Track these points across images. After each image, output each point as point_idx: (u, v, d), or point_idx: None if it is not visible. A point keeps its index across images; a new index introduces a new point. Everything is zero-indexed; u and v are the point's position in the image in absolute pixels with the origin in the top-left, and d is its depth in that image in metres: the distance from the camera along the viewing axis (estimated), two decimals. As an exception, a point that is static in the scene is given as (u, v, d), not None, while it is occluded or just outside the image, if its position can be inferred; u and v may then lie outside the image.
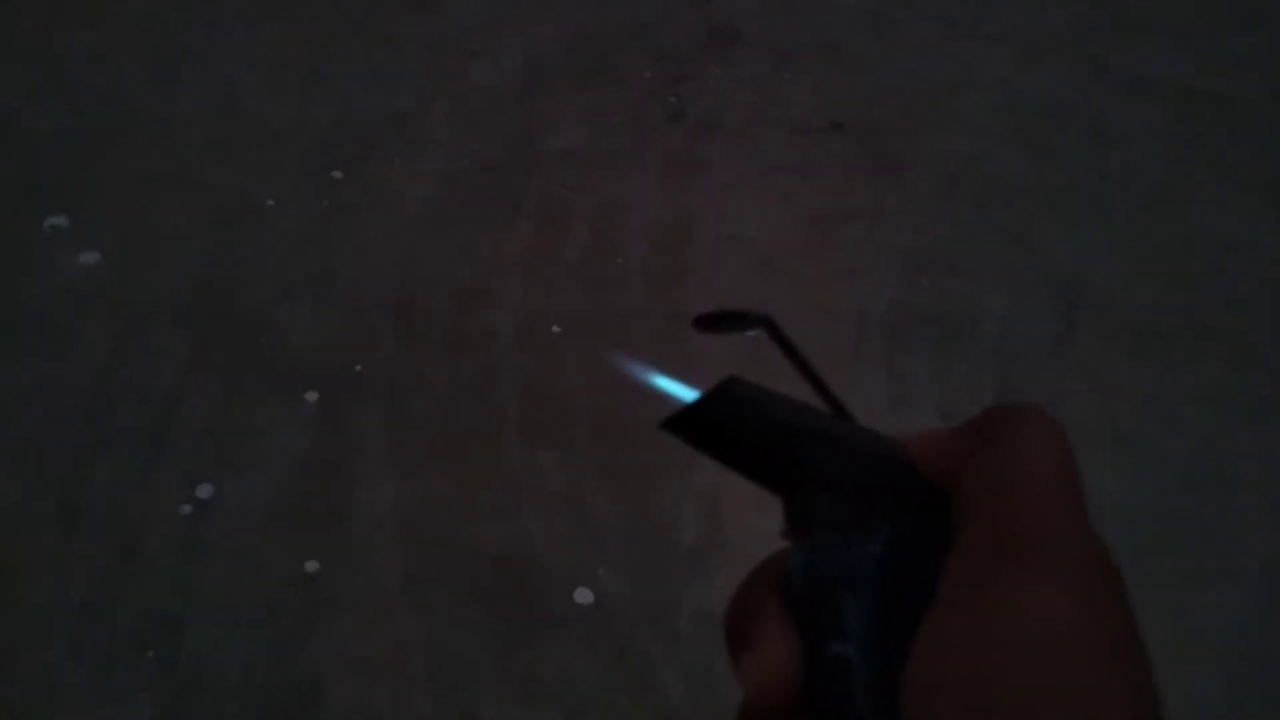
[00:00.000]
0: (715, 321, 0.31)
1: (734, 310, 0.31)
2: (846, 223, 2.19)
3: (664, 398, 0.32)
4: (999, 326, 1.99)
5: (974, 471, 0.28)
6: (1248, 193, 2.20)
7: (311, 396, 1.90)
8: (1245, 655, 1.56)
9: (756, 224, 2.20)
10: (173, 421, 1.85)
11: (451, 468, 1.80)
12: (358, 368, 1.95)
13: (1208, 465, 1.77)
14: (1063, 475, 0.27)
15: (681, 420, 0.30)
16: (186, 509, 1.73)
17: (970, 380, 1.91)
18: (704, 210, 2.23)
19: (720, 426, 0.30)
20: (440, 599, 1.64)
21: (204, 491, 1.75)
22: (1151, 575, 1.65)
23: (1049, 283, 2.05)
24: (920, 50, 2.56)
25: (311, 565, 1.67)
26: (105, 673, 1.53)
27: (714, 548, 1.69)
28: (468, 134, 2.42)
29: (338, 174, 2.32)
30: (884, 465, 0.29)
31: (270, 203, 2.26)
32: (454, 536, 1.72)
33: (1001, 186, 2.24)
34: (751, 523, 1.69)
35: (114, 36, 2.66)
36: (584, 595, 1.64)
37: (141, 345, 1.98)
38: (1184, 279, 2.05)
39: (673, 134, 2.40)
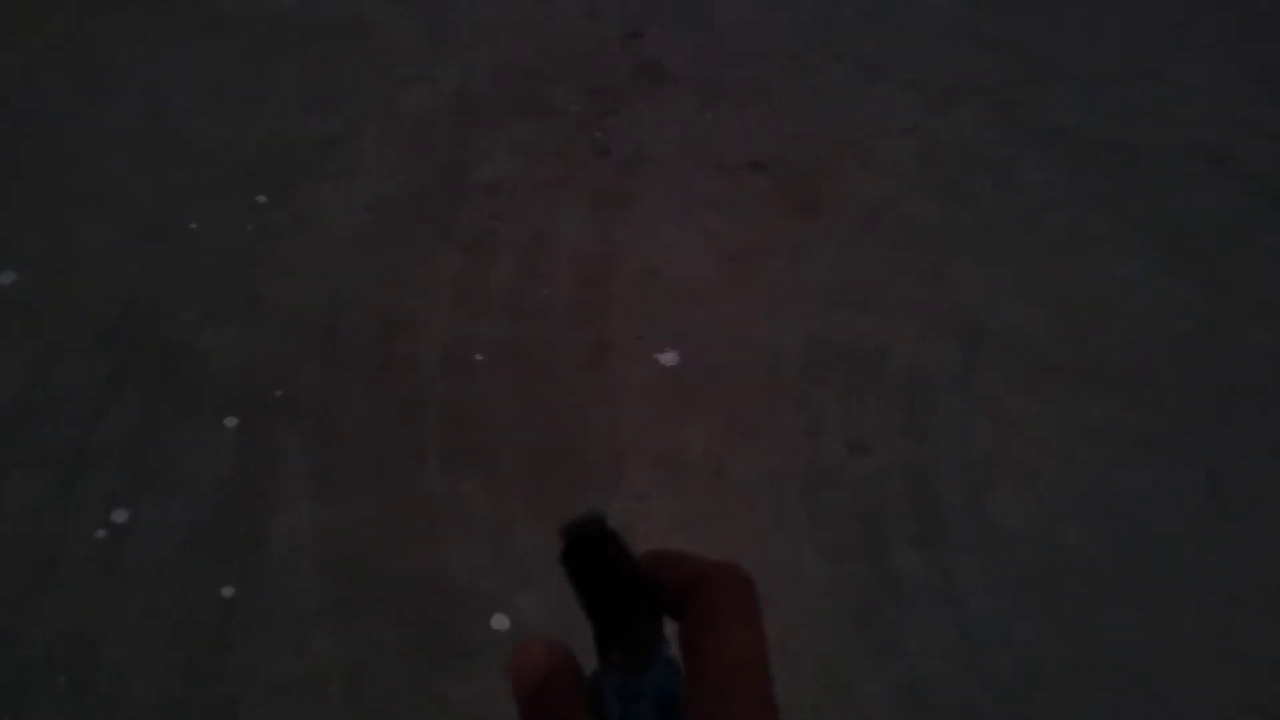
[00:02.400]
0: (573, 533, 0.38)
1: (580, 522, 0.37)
2: (765, 258, 2.26)
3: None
4: (907, 361, 2.07)
5: (692, 626, 0.34)
6: (1144, 238, 2.32)
7: (231, 421, 1.91)
8: (1135, 677, 1.65)
9: (679, 258, 2.26)
10: (91, 443, 1.84)
11: (372, 493, 1.82)
12: (278, 392, 1.96)
13: (1099, 497, 1.86)
14: (751, 655, 0.34)
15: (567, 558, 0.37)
16: (102, 533, 1.72)
17: (878, 413, 1.98)
18: (628, 243, 2.29)
19: (580, 572, 0.36)
20: (359, 623, 1.66)
21: (120, 515, 1.75)
22: (1047, 600, 1.73)
23: (955, 321, 2.14)
24: (840, 94, 2.65)
25: (228, 590, 1.67)
26: (17, 695, 1.52)
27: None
28: (398, 161, 2.45)
29: (263, 198, 2.33)
30: (654, 595, 0.36)
31: (194, 225, 2.27)
32: (374, 562, 1.73)
33: (914, 227, 2.33)
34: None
35: (43, 52, 2.64)
36: (501, 621, 1.67)
37: (61, 366, 1.97)
38: (1082, 319, 2.16)
39: (600, 168, 2.46)
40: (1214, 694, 1.63)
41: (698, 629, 0.34)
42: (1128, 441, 1.95)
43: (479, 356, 2.05)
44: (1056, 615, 1.72)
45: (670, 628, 0.35)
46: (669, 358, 2.07)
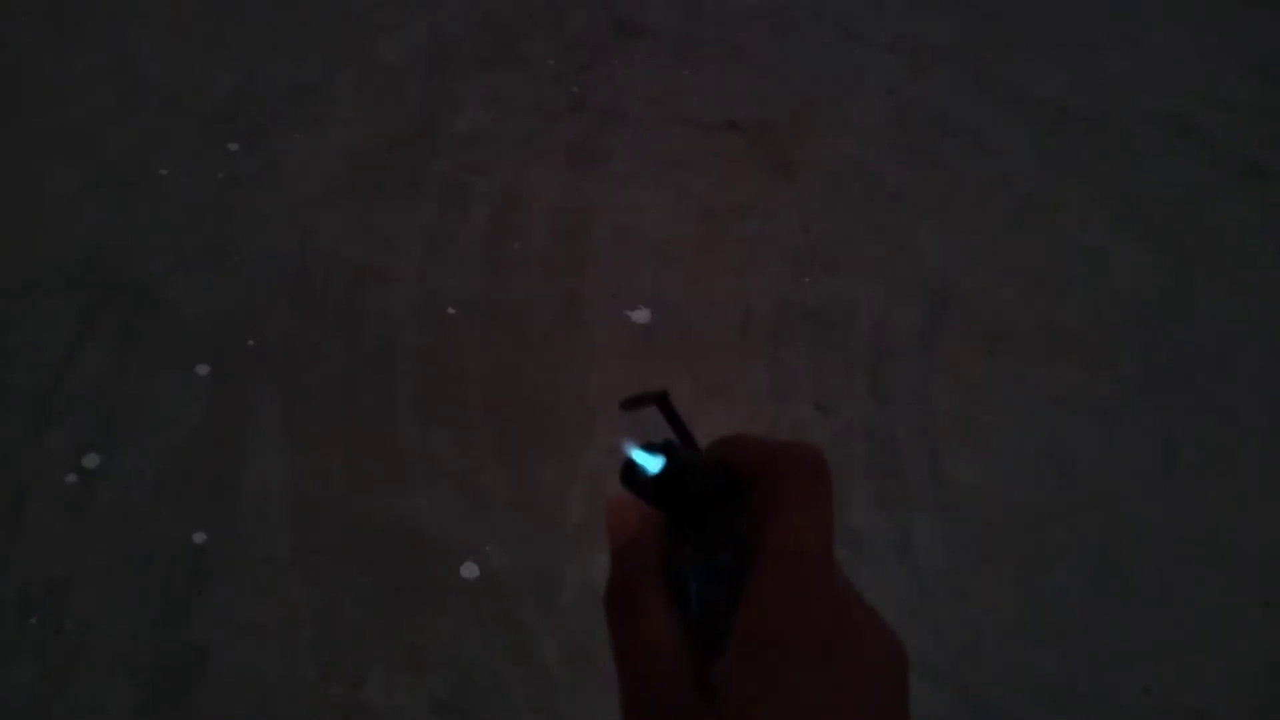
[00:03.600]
0: (634, 403, 0.38)
1: (642, 394, 0.38)
2: (737, 218, 2.28)
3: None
4: (874, 323, 2.10)
5: (756, 512, 0.34)
6: (1108, 206, 2.36)
7: (203, 369, 1.91)
8: (1080, 633, 1.71)
9: (652, 216, 2.27)
10: (61, 389, 1.85)
11: (343, 442, 1.84)
12: (251, 341, 1.97)
13: (1056, 460, 1.92)
14: (802, 546, 0.33)
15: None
16: (73, 478, 1.73)
17: (845, 374, 2.02)
18: (602, 200, 2.30)
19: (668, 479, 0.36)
20: (329, 570, 1.69)
21: (91, 461, 1.76)
22: (1001, 559, 1.79)
23: (922, 284, 2.18)
24: (816, 54, 2.66)
25: (200, 536, 1.69)
26: (-14, 637, 1.54)
27: (599, 527, 1.76)
28: (371, 111, 2.44)
29: (234, 145, 2.32)
30: (728, 485, 0.36)
31: (164, 171, 2.25)
32: (344, 510, 1.76)
33: (885, 190, 2.36)
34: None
35: (5, -9, 2.59)
36: (470, 569, 1.70)
37: (29, 311, 1.96)
38: (1045, 285, 2.20)
39: (575, 123, 2.46)
40: (1160, 650, 1.69)
41: (759, 515, 0.34)
42: (1086, 406, 2.00)
43: (451, 309, 2.06)
44: (1010, 573, 1.77)
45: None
46: (641, 315, 2.09)
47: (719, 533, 0.36)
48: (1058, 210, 2.35)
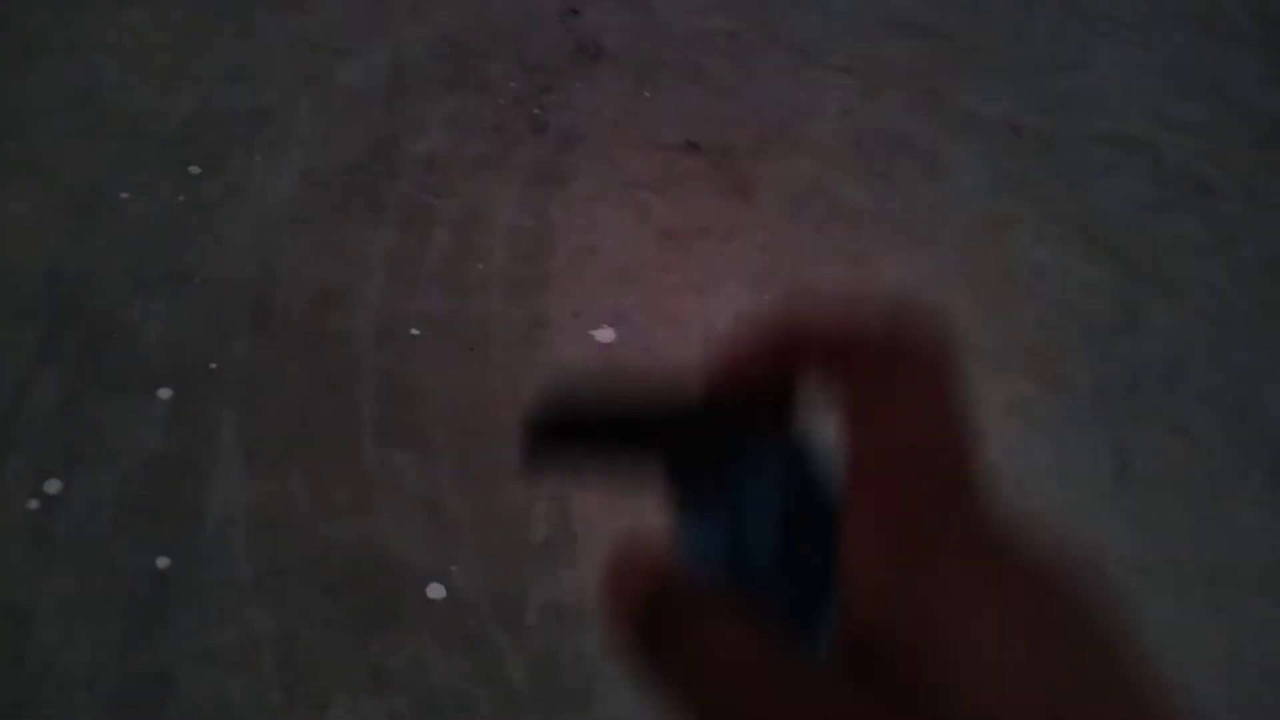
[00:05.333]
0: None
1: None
2: (698, 238, 2.31)
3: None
4: (834, 341, 2.13)
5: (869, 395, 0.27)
6: (1060, 224, 2.42)
7: (164, 393, 1.91)
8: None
9: (614, 236, 2.29)
10: (20, 416, 1.83)
11: (306, 466, 1.84)
12: (212, 365, 1.96)
13: (1010, 472, 1.95)
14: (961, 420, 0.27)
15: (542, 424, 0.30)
16: (34, 504, 1.72)
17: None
18: (564, 221, 2.32)
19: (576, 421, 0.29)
20: (293, 594, 1.68)
21: (52, 487, 1.74)
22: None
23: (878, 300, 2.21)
24: (774, 77, 2.70)
25: (163, 561, 1.68)
26: (-56, 668, 1.52)
27: (563, 546, 1.78)
28: (332, 134, 2.45)
29: (195, 169, 2.31)
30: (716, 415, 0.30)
31: (124, 195, 2.24)
32: (308, 533, 1.76)
33: (842, 210, 2.40)
34: (600, 522, 1.79)
35: (-39, 15, 2.58)
36: (436, 590, 1.71)
37: (-13, 336, 1.95)
38: (999, 301, 2.25)
39: (536, 145, 2.48)
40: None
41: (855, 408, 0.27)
42: (1038, 419, 2.05)
43: (414, 331, 2.07)
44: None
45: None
46: (605, 335, 2.11)
47: (696, 482, 0.29)
48: (1011, 228, 2.40)
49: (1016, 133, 2.64)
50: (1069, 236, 2.39)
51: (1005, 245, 2.36)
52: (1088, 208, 2.47)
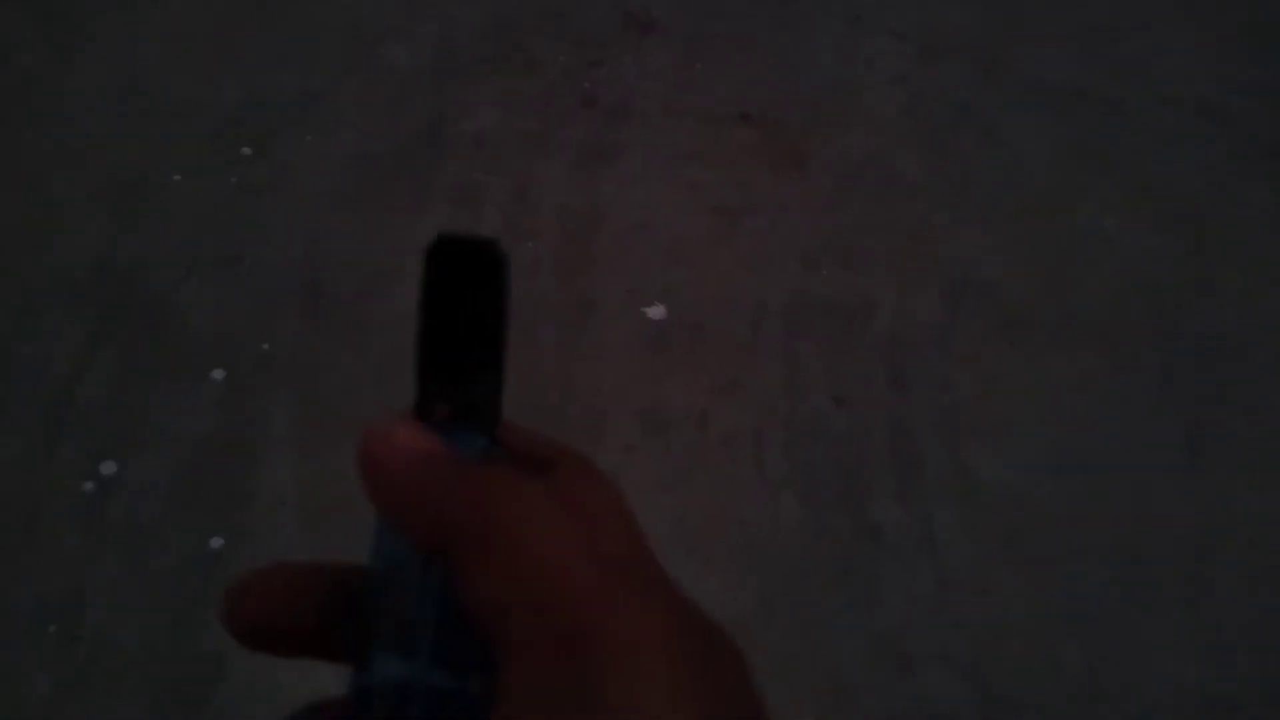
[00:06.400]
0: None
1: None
2: (750, 213, 2.26)
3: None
4: (891, 315, 2.08)
5: (473, 578, 0.25)
6: (1127, 193, 2.33)
7: (217, 375, 1.91)
8: (1104, 626, 1.68)
9: (664, 212, 2.25)
10: (74, 399, 1.85)
11: (355, 446, 1.83)
12: (264, 347, 1.96)
13: (1077, 451, 1.89)
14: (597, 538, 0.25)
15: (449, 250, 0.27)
16: (89, 486, 1.73)
17: (862, 366, 2.00)
18: (614, 197, 2.28)
19: (440, 285, 0.27)
20: (344, 575, 1.68)
21: (107, 468, 1.75)
22: (1023, 551, 1.76)
23: (938, 275, 2.15)
24: (827, 45, 2.64)
25: (215, 542, 1.69)
26: (5, 648, 1.53)
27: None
28: (380, 115, 2.43)
29: (246, 151, 2.31)
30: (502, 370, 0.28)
31: (177, 178, 2.25)
32: (358, 514, 1.74)
33: (899, 181, 2.33)
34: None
35: (10, 10, 2.60)
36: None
37: (39, 323, 1.97)
38: (1063, 274, 2.17)
39: (585, 121, 2.44)
40: (1185, 643, 1.66)
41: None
42: (1106, 395, 1.97)
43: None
44: (1032, 566, 1.74)
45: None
46: (656, 312, 2.08)
47: (485, 407, 0.28)
48: (1075, 198, 2.32)
49: (1079, 98, 2.55)
50: (1136, 206, 2.30)
51: (1070, 216, 2.28)
52: (1156, 176, 2.37)
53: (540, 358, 1.99)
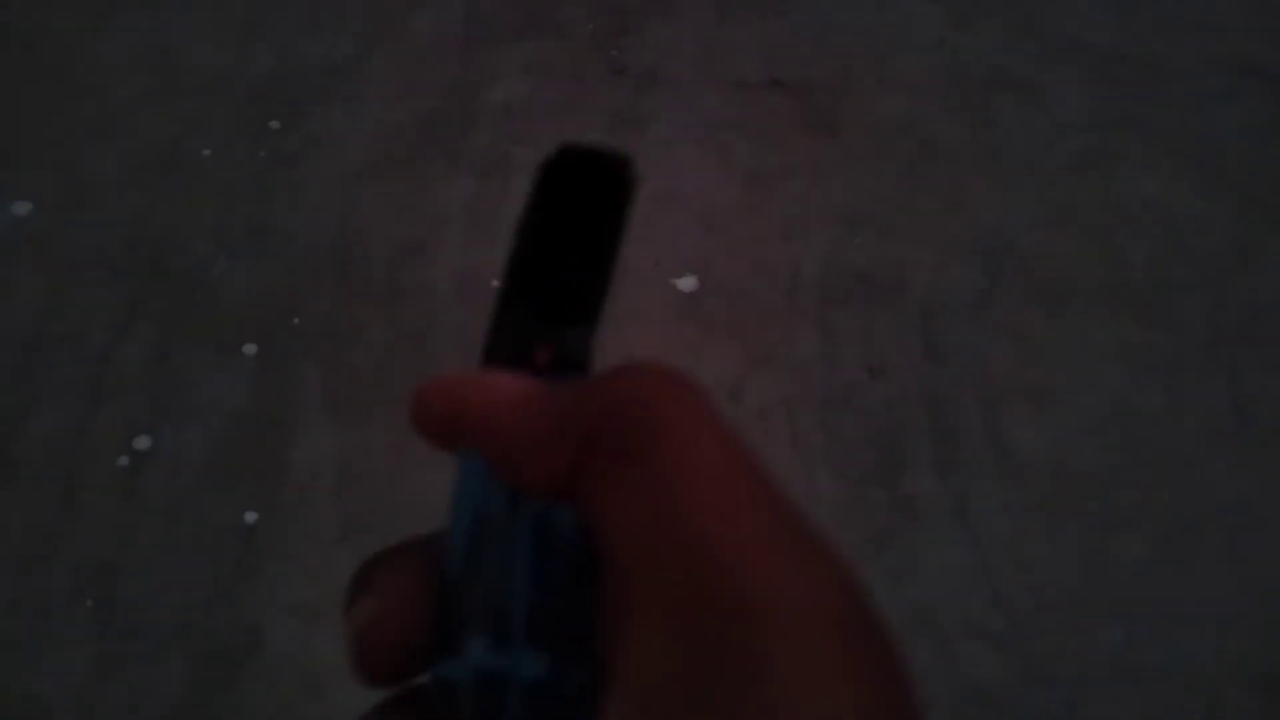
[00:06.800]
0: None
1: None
2: (784, 180, 2.23)
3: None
4: (927, 284, 2.04)
5: (618, 507, 0.21)
6: (1169, 156, 2.27)
7: (250, 349, 1.91)
8: (1147, 599, 1.65)
9: (695, 180, 2.22)
10: (108, 373, 1.85)
11: (389, 419, 1.83)
12: (295, 320, 1.96)
13: (1118, 420, 1.85)
14: (737, 477, 0.21)
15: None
16: (124, 460, 1.74)
17: (898, 336, 1.97)
18: (644, 165, 2.24)
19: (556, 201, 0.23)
20: (377, 546, 1.68)
21: (142, 443, 1.76)
22: (1063, 523, 1.73)
23: (975, 242, 2.11)
24: (861, 7, 2.58)
25: (251, 515, 1.69)
26: (43, 621, 1.55)
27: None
28: (408, 85, 2.41)
29: (275, 124, 2.30)
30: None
31: (207, 152, 2.25)
32: (392, 486, 1.75)
33: (935, 147, 2.29)
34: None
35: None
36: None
37: (75, 297, 1.97)
38: (1104, 240, 2.12)
39: (615, 88, 2.41)
40: (1229, 617, 1.63)
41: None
42: (1151, 364, 1.93)
43: (494, 283, 2.03)
44: (1071, 538, 1.72)
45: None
46: (687, 283, 2.05)
47: (580, 350, 0.24)
48: (1117, 161, 2.27)
49: (1120, 59, 2.48)
50: (1180, 169, 2.25)
51: (1111, 180, 2.23)
52: (1200, 138, 2.31)
53: (571, 329, 1.97)
